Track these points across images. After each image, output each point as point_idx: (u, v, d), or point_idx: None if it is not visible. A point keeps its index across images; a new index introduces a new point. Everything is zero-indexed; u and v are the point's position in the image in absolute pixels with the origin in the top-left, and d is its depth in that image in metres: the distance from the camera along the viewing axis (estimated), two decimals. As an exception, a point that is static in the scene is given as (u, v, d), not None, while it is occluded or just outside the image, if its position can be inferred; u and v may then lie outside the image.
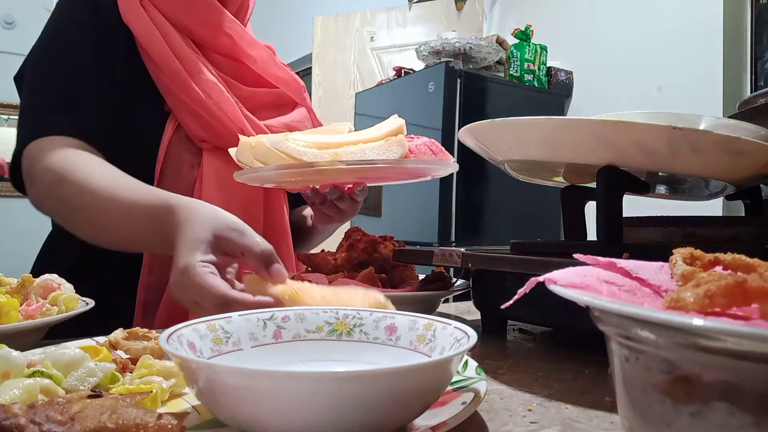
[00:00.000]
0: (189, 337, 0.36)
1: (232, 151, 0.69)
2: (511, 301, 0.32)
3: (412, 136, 0.69)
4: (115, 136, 0.73)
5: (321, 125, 0.90)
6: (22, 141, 0.70)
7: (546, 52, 2.63)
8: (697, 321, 0.20)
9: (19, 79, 0.77)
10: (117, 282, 0.74)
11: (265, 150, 0.64)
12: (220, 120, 0.76)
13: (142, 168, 0.75)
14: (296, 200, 0.91)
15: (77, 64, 0.73)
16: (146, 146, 0.74)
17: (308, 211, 0.93)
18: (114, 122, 0.73)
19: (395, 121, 0.68)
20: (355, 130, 0.71)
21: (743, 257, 0.28)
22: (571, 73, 2.67)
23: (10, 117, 4.08)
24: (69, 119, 0.71)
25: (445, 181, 2.28)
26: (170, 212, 0.57)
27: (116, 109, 0.74)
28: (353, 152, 0.62)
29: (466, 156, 2.51)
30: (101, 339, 0.45)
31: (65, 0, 0.77)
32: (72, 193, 0.65)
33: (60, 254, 0.79)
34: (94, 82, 0.73)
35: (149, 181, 0.74)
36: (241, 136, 0.68)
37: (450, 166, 0.67)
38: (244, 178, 0.67)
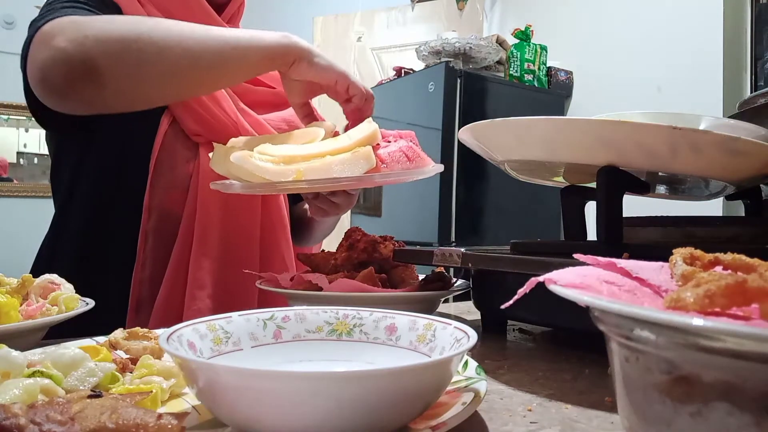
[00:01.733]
0: (189, 337, 0.36)
1: (211, 154, 0.68)
2: (511, 301, 0.32)
3: (390, 139, 0.68)
4: (109, 129, 0.73)
5: (324, 120, 0.90)
6: (45, 22, 0.62)
7: (546, 52, 2.64)
8: (697, 321, 0.20)
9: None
10: (113, 279, 0.74)
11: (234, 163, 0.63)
12: (214, 114, 0.76)
13: (137, 162, 0.75)
14: (297, 195, 0.91)
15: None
16: (141, 140, 0.74)
17: (306, 205, 0.93)
18: (109, 115, 0.73)
19: (367, 128, 0.66)
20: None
21: (743, 257, 0.28)
22: (571, 73, 2.67)
23: (10, 117, 4.09)
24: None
25: (445, 181, 2.28)
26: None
27: None
28: (318, 168, 0.61)
29: (466, 156, 2.51)
30: (101, 339, 0.45)
31: None
32: (166, 25, 0.63)
33: (57, 252, 0.79)
34: None
35: (144, 175, 0.74)
36: (215, 144, 0.67)
37: (425, 172, 0.66)
38: (219, 188, 0.67)
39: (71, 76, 0.60)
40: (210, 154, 0.68)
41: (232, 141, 0.71)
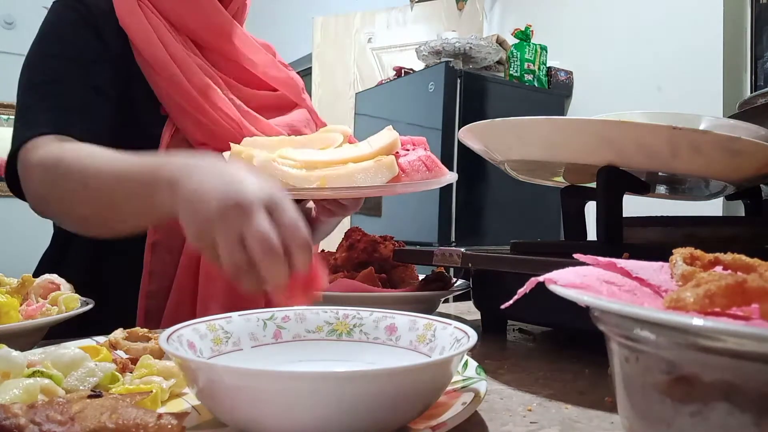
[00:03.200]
0: (189, 337, 0.36)
1: (226, 155, 0.68)
2: (511, 301, 0.32)
3: (408, 147, 0.68)
4: (111, 140, 0.73)
5: (324, 124, 0.90)
6: (15, 144, 0.69)
7: (546, 52, 2.64)
8: (697, 321, 0.20)
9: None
10: (118, 291, 0.74)
11: (254, 166, 0.63)
12: (218, 122, 0.75)
13: None
14: None
15: (70, 62, 0.72)
16: (144, 151, 0.74)
17: (311, 203, 0.93)
18: (110, 125, 0.72)
19: (388, 135, 0.66)
20: (354, 132, 0.71)
21: (743, 257, 0.28)
22: (571, 73, 2.67)
23: (10, 117, 4.08)
24: (62, 118, 0.69)
25: (445, 181, 2.27)
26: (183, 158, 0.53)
27: (112, 111, 0.73)
28: (341, 176, 0.61)
29: (466, 156, 2.50)
30: (101, 339, 0.45)
31: (57, 2, 0.76)
32: (73, 170, 0.62)
33: (60, 263, 0.78)
34: (88, 81, 0.72)
35: None
36: (232, 144, 0.67)
37: (443, 181, 0.66)
38: None
39: (45, 216, 0.70)
40: (224, 154, 0.68)
41: (247, 141, 0.70)
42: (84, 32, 0.74)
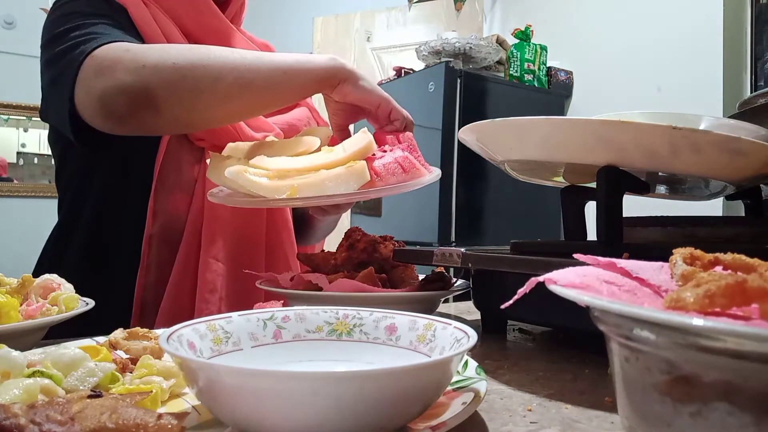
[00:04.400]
0: (189, 337, 0.36)
1: (208, 160, 0.68)
2: (511, 301, 0.32)
3: (386, 148, 0.67)
4: (116, 135, 0.73)
5: (326, 123, 0.90)
6: (93, 47, 0.62)
7: (546, 52, 2.64)
8: (697, 321, 0.20)
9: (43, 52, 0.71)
10: (115, 282, 0.74)
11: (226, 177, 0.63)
12: None
13: (141, 167, 0.75)
14: None
15: (96, 18, 0.70)
16: (145, 145, 0.74)
17: None
18: None
19: (362, 139, 0.66)
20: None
21: (743, 257, 0.28)
22: (571, 73, 2.67)
23: (10, 117, 4.08)
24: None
25: (445, 181, 2.28)
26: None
27: None
28: (312, 184, 0.61)
29: (466, 156, 2.50)
30: (101, 339, 0.45)
31: None
32: (217, 53, 0.63)
33: (61, 255, 0.79)
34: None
35: (150, 180, 0.74)
36: (212, 153, 0.67)
37: (420, 182, 0.66)
38: (215, 199, 0.67)
39: (132, 105, 0.62)
40: (207, 161, 0.68)
41: (229, 148, 0.70)
42: (105, 12, 0.73)
